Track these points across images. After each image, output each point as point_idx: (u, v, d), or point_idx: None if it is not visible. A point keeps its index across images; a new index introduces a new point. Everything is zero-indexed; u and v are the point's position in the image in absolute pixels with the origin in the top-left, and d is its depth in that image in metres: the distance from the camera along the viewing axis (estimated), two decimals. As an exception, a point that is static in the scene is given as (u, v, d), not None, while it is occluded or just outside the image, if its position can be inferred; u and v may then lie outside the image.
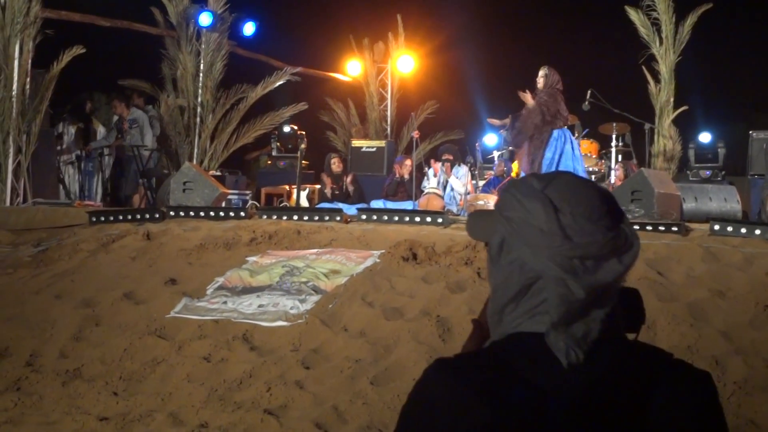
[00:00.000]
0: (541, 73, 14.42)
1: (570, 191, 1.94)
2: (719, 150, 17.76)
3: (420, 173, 16.88)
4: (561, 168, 13.76)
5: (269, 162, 20.13)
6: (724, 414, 1.91)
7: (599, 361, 1.86)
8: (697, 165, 17.59)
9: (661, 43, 17.05)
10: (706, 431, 1.86)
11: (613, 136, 17.43)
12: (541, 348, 1.87)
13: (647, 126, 17.21)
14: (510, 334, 1.92)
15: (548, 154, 14.05)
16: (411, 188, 16.39)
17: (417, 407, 1.93)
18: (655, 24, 17.13)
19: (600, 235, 1.88)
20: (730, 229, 11.25)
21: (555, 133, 14.10)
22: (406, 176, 16.88)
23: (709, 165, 17.63)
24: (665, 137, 17.27)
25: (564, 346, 1.85)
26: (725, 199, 13.65)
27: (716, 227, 11.36)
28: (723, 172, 17.60)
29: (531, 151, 14.10)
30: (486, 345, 1.99)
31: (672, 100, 17.21)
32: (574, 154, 14.15)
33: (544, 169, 13.89)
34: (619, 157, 17.46)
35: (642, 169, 14.42)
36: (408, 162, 17.19)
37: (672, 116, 17.24)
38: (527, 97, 14.12)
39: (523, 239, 1.91)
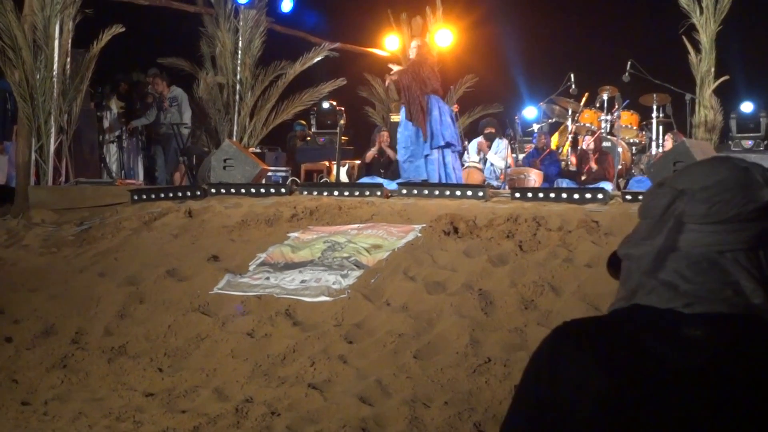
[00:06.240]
0: (413, 44, 15.32)
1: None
2: (761, 119, 17.56)
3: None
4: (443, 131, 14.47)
5: (309, 138, 20.16)
6: None
7: (726, 335, 1.81)
8: (739, 135, 17.40)
9: (701, 12, 16.81)
10: None
11: (654, 107, 17.33)
12: (666, 319, 1.83)
13: (688, 96, 17.05)
14: (635, 304, 1.88)
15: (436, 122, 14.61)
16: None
17: (536, 375, 1.92)
18: (696, -7, 16.92)
19: None
20: (773, 198, 11.15)
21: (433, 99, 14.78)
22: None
23: (752, 135, 17.44)
24: (706, 107, 17.06)
25: (688, 318, 1.82)
26: (768, 169, 13.51)
27: (759, 197, 11.26)
28: (765, 142, 17.41)
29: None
30: (611, 310, 1.94)
31: (713, 69, 16.98)
32: (442, 119, 14.72)
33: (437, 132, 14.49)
34: (660, 128, 17.35)
35: (684, 139, 14.32)
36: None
37: (713, 86, 17.01)
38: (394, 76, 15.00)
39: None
